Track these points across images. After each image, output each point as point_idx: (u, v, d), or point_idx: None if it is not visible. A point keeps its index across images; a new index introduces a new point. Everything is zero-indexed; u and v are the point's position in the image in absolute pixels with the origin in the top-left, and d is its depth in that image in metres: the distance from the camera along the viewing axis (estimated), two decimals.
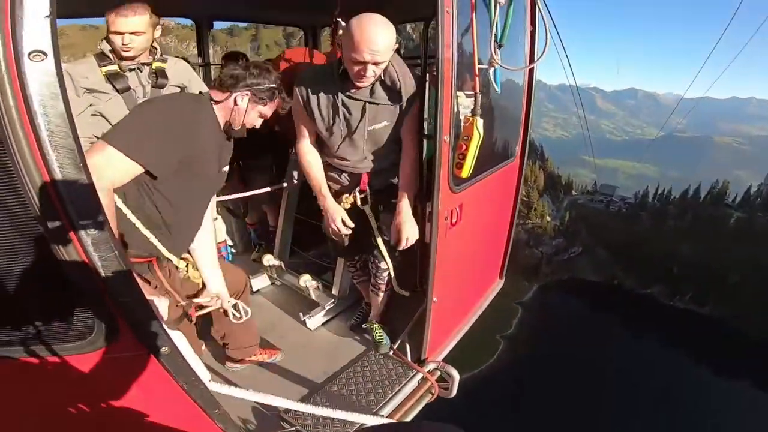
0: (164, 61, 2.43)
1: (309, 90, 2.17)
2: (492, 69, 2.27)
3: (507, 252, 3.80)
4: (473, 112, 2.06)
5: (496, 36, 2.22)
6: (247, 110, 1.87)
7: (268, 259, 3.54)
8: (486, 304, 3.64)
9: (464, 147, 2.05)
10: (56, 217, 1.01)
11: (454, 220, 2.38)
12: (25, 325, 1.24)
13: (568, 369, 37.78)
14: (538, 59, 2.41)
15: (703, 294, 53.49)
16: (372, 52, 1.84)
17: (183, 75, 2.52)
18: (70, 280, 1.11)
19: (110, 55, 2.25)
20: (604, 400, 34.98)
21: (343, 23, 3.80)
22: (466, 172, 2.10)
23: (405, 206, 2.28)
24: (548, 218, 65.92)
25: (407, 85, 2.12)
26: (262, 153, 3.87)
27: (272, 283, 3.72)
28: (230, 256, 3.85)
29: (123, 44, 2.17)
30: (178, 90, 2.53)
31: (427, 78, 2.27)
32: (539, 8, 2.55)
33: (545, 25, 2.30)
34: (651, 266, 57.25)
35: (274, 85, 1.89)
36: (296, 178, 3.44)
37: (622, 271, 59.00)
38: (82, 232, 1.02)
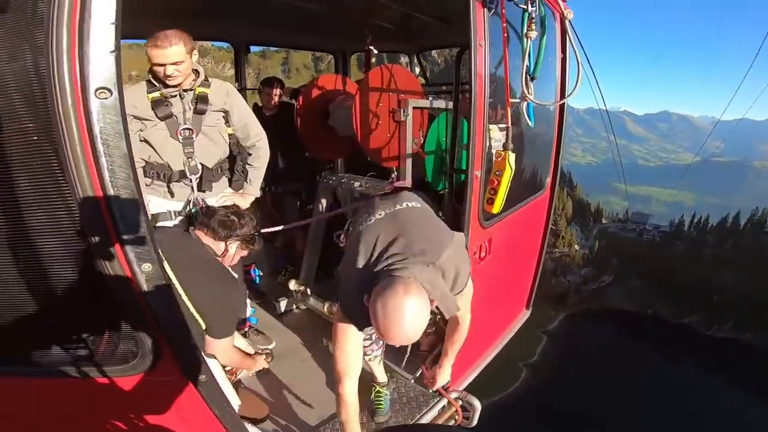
0: (207, 85, 2.47)
1: (358, 317, 1.75)
2: (524, 103, 2.28)
3: (535, 283, 3.74)
4: (505, 147, 2.06)
5: (528, 68, 2.24)
6: (235, 254, 2.25)
7: (294, 284, 3.58)
8: (511, 334, 3.57)
9: (496, 182, 2.05)
10: (115, 258, 1.06)
11: (482, 255, 2.36)
12: (75, 346, 1.32)
13: (595, 395, 36.10)
14: (569, 94, 2.41)
15: (744, 322, 50.61)
16: (403, 342, 1.50)
17: (225, 100, 2.55)
18: (121, 310, 1.17)
19: (156, 82, 2.33)
20: (631, 424, 33.25)
21: (375, 51, 3.93)
22: (497, 207, 2.09)
23: (448, 364, 2.32)
24: (576, 247, 63.89)
25: (460, 286, 1.83)
26: (294, 179, 3.99)
27: (297, 307, 3.76)
28: (258, 278, 3.94)
29: (167, 75, 2.24)
30: (220, 115, 2.58)
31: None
32: (569, 38, 2.54)
33: (577, 58, 2.31)
34: (688, 295, 54.67)
35: (255, 233, 2.31)
36: (324, 205, 3.51)
37: (656, 301, 56.45)
38: (138, 272, 1.08)
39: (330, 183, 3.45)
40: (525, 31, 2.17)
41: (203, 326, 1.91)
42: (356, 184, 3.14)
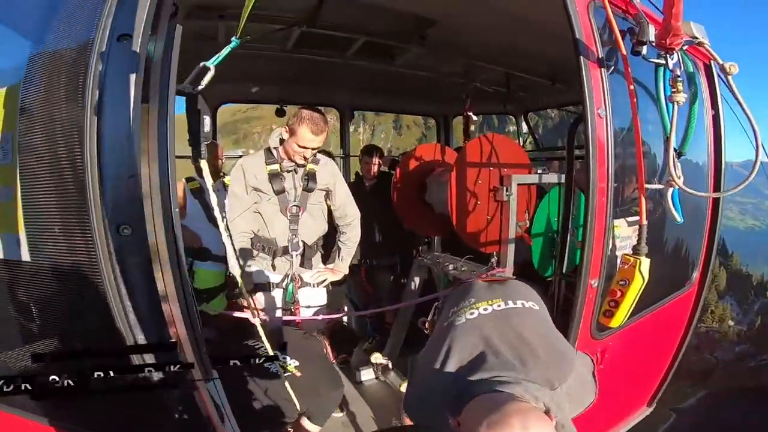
0: (316, 162, 2.51)
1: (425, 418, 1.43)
2: (670, 190, 1.69)
3: (664, 383, 2.92)
4: (637, 251, 1.57)
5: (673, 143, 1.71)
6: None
7: (376, 357, 3.43)
8: None
9: (619, 294, 1.55)
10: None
11: None
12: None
13: None
14: (743, 183, 1.77)
15: None
16: None
17: (330, 179, 2.59)
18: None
19: (275, 153, 2.39)
20: None
21: (475, 117, 3.73)
22: (617, 322, 1.59)
23: None
24: (731, 322, 53.03)
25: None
26: (389, 252, 3.90)
27: (377, 378, 3.57)
28: None
29: (304, 156, 2.31)
30: (323, 193, 2.61)
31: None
32: (737, 98, 1.75)
33: (754, 130, 1.76)
34: None
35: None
36: (417, 284, 3.29)
37: None
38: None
39: (424, 262, 3.23)
40: (669, 93, 1.62)
41: (299, 408, 2.09)
42: (450, 266, 2.85)
